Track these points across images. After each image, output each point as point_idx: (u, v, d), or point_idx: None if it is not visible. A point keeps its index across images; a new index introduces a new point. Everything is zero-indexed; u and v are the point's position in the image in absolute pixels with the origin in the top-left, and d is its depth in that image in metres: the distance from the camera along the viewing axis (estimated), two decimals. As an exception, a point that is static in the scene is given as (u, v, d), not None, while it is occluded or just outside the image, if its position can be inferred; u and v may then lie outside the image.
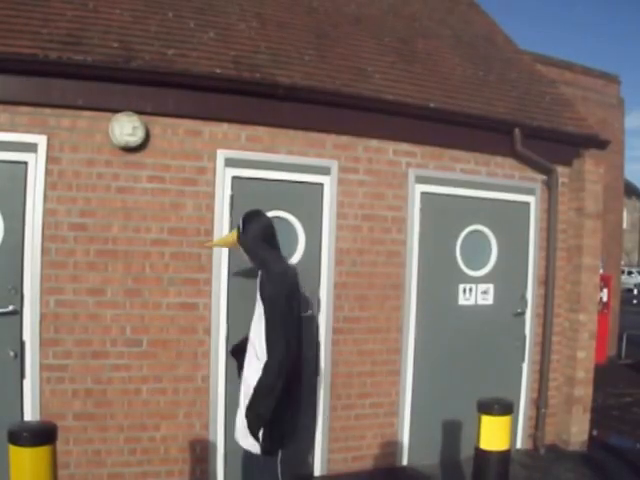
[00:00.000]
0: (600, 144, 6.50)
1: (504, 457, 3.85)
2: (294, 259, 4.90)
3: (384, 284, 5.54)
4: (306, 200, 4.90)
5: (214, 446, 4.98)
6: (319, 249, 5.24)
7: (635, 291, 30.62)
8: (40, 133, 4.52)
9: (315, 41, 5.91)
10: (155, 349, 4.82)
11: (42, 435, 2.74)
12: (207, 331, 4.94)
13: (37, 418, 4.50)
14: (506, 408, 3.84)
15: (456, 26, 7.70)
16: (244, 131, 5.07)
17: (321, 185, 5.26)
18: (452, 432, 5.69)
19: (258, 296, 3.79)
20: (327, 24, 6.38)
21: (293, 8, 6.42)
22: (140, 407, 4.80)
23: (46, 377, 4.56)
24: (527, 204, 6.23)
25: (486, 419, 3.81)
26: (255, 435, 3.70)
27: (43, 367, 4.55)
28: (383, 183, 5.52)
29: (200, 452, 4.95)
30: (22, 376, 4.51)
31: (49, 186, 4.55)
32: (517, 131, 5.92)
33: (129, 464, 4.78)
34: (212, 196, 4.95)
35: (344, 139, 5.38)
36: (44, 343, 4.55)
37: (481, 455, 3.87)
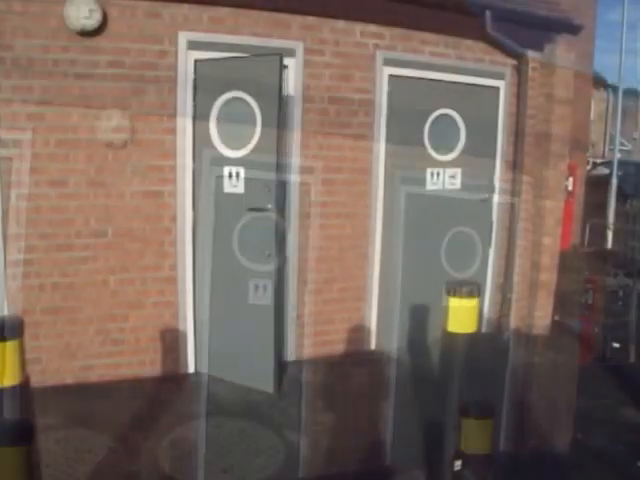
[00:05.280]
0: (573, 29, 6.40)
1: (472, 339, 3.87)
2: (252, 143, 4.70)
3: (351, 168, 5.47)
4: (269, 82, 4.71)
5: (184, 335, 5.02)
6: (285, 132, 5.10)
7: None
8: (-12, 17, 4.23)
9: None
10: (121, 239, 4.75)
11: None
12: (173, 219, 4.87)
13: (4, 314, 4.42)
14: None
15: None
16: (206, 12, 4.84)
17: (286, 67, 5.04)
18: (419, 316, 5.79)
19: None
20: None
21: None
22: (108, 298, 4.78)
23: (11, 273, 4.48)
24: (497, 89, 6.14)
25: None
26: None
27: (8, 263, 4.47)
28: (350, 65, 5.35)
29: (170, 342, 4.98)
30: (-15, 272, 4.42)
31: (2, 75, 4.31)
32: (488, 13, 5.74)
33: (100, 356, 4.80)
34: (174, 80, 4.76)
35: (310, 20, 5.16)
36: (8, 239, 4.45)
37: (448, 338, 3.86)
